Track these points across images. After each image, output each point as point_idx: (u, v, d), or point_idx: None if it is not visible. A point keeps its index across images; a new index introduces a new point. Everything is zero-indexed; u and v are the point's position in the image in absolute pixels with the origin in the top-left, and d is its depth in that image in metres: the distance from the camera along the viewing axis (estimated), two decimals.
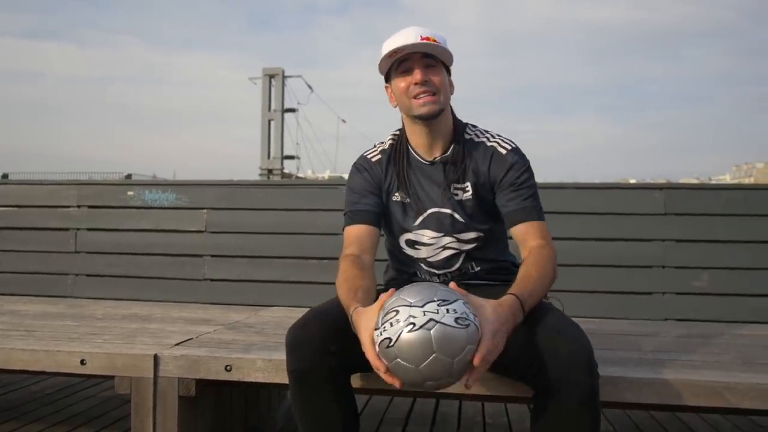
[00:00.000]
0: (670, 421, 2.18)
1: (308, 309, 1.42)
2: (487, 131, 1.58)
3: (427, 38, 1.45)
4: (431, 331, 1.13)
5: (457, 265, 1.55)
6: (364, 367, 1.38)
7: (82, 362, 1.49)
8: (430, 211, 1.53)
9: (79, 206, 3.53)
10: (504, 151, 1.52)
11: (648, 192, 3.17)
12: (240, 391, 1.81)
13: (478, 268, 1.57)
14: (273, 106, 15.54)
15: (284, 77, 15.87)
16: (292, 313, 2.16)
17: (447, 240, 1.54)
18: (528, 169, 1.52)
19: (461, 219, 1.53)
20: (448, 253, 1.54)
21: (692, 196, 3.12)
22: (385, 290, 1.52)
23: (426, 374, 1.14)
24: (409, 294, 1.19)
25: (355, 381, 1.39)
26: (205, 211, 3.38)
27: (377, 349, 1.18)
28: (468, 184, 1.52)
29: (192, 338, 1.69)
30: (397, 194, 1.56)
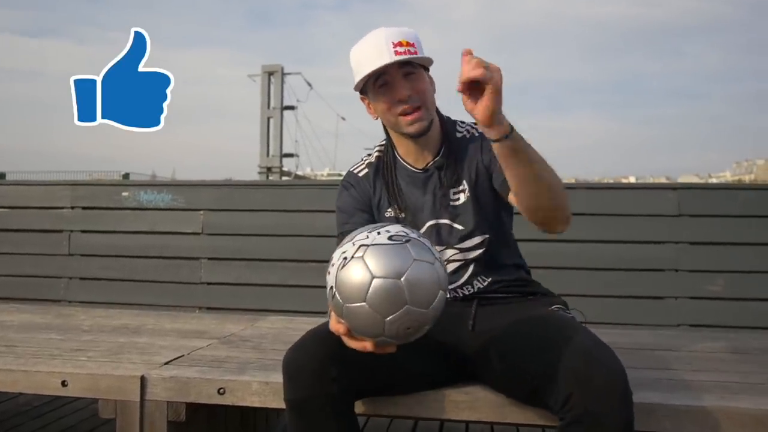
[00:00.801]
0: None
1: (308, 327, 1.30)
2: (475, 124, 1.45)
3: (399, 43, 1.32)
4: (363, 255, 1.00)
5: (464, 278, 1.40)
6: (370, 391, 1.26)
7: (63, 384, 1.37)
8: (428, 224, 1.41)
9: (73, 207, 3.44)
10: (478, 133, 1.42)
11: (661, 192, 3.07)
12: (234, 412, 1.69)
13: (489, 279, 1.42)
14: (272, 104, 15.43)
15: (283, 74, 15.76)
16: (291, 324, 2.04)
17: (450, 253, 1.41)
18: None
19: (460, 226, 1.41)
20: (452, 266, 1.41)
21: (707, 196, 3.03)
22: None
23: (375, 306, 0.99)
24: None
25: (357, 406, 1.27)
26: (201, 212, 3.29)
27: (332, 313, 1.08)
28: (464, 184, 1.41)
29: (183, 355, 1.57)
30: (389, 210, 1.44)
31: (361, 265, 1.00)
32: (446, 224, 1.41)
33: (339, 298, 1.02)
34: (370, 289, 0.99)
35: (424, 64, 1.38)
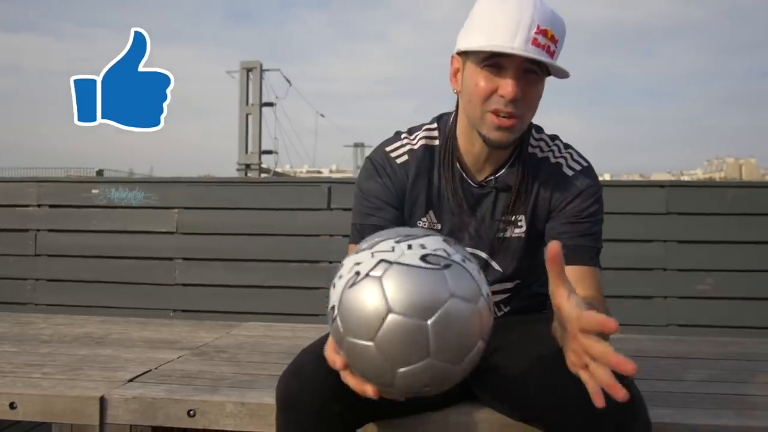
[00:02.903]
0: None
1: (289, 335, 1.17)
2: (555, 140, 1.19)
3: (545, 31, 1.02)
4: (381, 279, 0.73)
5: None
6: (371, 418, 1.10)
7: (12, 406, 1.22)
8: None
9: (39, 205, 3.33)
10: (570, 172, 1.15)
11: (649, 190, 3.04)
12: None
13: (507, 309, 1.24)
14: (251, 100, 15.20)
15: (262, 71, 15.53)
16: (270, 332, 1.91)
17: None
18: (598, 199, 1.15)
19: (498, 267, 1.18)
20: None
21: (696, 194, 3.00)
22: None
23: (390, 354, 0.72)
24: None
25: None
26: (176, 210, 3.18)
27: (331, 338, 0.81)
28: (522, 217, 1.16)
29: (150, 370, 1.43)
30: (424, 218, 1.17)
31: (377, 289, 0.73)
32: (483, 258, 1.18)
33: (340, 325, 0.76)
34: (383, 326, 0.72)
35: (551, 72, 1.08)
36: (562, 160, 1.16)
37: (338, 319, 0.76)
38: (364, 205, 1.17)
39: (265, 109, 15.73)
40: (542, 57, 1.02)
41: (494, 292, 1.17)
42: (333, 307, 0.78)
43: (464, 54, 1.09)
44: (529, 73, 1.05)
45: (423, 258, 0.75)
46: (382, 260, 0.75)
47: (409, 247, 0.76)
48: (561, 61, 1.06)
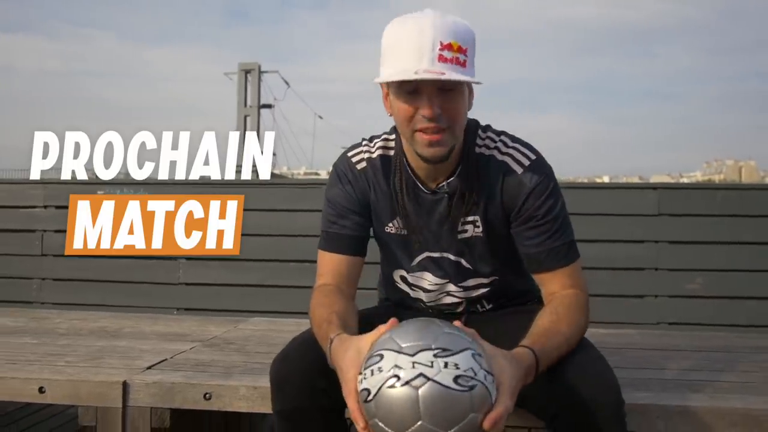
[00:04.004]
0: None
1: (292, 329, 1.27)
2: (501, 135, 1.23)
3: (449, 45, 1.05)
4: (419, 391, 0.87)
5: (461, 308, 1.30)
6: None
7: (41, 390, 1.31)
8: (431, 255, 1.24)
9: (45, 206, 3.35)
10: (519, 169, 1.18)
11: (641, 192, 3.10)
12: (218, 417, 1.65)
13: (490, 306, 1.32)
14: (249, 102, 15.30)
15: (260, 72, 15.63)
16: (274, 326, 2.00)
17: (451, 288, 1.28)
18: (552, 192, 1.17)
19: (468, 265, 1.24)
20: (451, 300, 1.29)
21: (686, 196, 3.06)
22: (378, 311, 1.30)
23: None
24: (403, 333, 0.95)
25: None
26: None
27: (356, 401, 0.95)
28: (477, 218, 1.20)
29: (166, 359, 1.52)
30: (391, 225, 1.25)
31: (413, 399, 0.88)
32: (452, 260, 1.25)
33: (373, 409, 0.91)
34: (412, 429, 0.88)
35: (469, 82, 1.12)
36: (507, 158, 1.19)
37: (373, 404, 0.91)
38: (329, 213, 1.24)
39: (263, 111, 15.80)
40: (451, 73, 1.05)
41: (472, 287, 1.27)
42: (367, 390, 0.91)
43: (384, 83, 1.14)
44: (445, 90, 1.09)
45: (455, 380, 0.89)
46: (420, 374, 0.88)
47: (446, 365, 0.89)
48: (478, 63, 1.10)
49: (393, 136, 1.25)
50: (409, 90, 1.09)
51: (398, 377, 0.89)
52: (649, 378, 1.39)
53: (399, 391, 0.88)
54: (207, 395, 1.30)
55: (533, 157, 1.19)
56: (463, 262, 1.25)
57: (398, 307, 1.34)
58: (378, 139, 1.26)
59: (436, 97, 1.09)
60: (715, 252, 2.92)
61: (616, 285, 2.89)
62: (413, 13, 1.11)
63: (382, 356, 0.92)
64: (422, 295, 1.31)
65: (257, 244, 3.14)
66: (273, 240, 3.13)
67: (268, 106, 16.22)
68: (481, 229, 1.21)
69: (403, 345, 0.92)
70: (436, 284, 1.28)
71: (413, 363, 0.89)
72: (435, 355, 0.89)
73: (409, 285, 1.32)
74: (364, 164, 1.24)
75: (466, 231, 1.22)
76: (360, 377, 0.94)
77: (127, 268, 3.23)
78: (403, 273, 1.31)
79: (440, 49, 1.05)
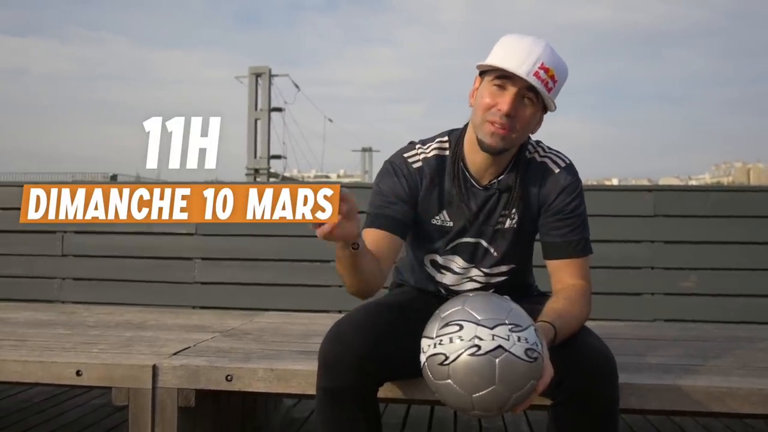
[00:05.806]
0: (662, 423, 2.20)
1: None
2: (540, 144, 1.43)
3: (547, 69, 1.25)
4: (497, 360, 1.03)
5: None
6: (394, 378, 1.34)
7: (78, 373, 1.47)
8: (467, 240, 1.40)
9: None
10: (556, 169, 1.38)
11: (637, 194, 3.20)
12: (238, 398, 1.79)
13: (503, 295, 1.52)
14: (260, 106, 15.47)
15: (271, 76, 15.82)
16: (288, 319, 2.15)
17: (475, 273, 1.44)
18: (580, 193, 1.38)
19: (494, 253, 1.41)
20: (472, 285, 1.44)
21: (681, 197, 3.16)
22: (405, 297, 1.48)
23: (477, 404, 1.05)
24: (476, 307, 1.08)
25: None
26: None
27: (424, 359, 1.10)
28: (515, 211, 1.38)
29: (189, 347, 1.67)
30: (438, 217, 1.40)
31: (491, 369, 1.03)
32: (483, 246, 1.41)
33: (449, 372, 1.05)
34: (485, 391, 1.04)
35: (546, 104, 1.31)
36: (547, 159, 1.39)
37: (449, 368, 1.05)
38: (380, 199, 1.38)
39: (273, 114, 15.96)
40: (538, 86, 1.25)
41: (494, 275, 1.44)
42: (444, 355, 1.05)
43: (482, 74, 1.33)
44: (525, 97, 1.28)
45: (526, 352, 1.05)
46: (499, 346, 1.04)
47: (519, 339, 1.05)
48: (557, 102, 1.32)
49: (446, 138, 1.43)
50: (498, 84, 1.28)
51: (479, 347, 1.03)
52: (626, 362, 1.53)
53: (479, 360, 1.03)
54: (228, 377, 1.45)
55: (567, 161, 1.41)
56: (492, 249, 1.41)
57: (419, 291, 1.50)
58: (432, 142, 1.43)
59: (516, 100, 1.27)
60: (709, 251, 3.02)
61: (614, 283, 2.98)
62: (532, 35, 1.30)
63: (461, 326, 1.06)
64: (447, 279, 1.46)
65: (270, 244, 3.27)
66: (286, 240, 3.20)
67: (279, 110, 16.40)
68: (515, 220, 1.38)
69: (480, 317, 1.06)
70: (464, 268, 1.44)
71: (493, 336, 1.04)
72: (510, 330, 1.05)
73: (438, 267, 1.46)
74: (420, 164, 1.40)
75: (503, 222, 1.39)
76: (433, 341, 1.07)
77: (145, 268, 3.33)
78: (435, 257, 1.45)
79: (539, 68, 1.25)
